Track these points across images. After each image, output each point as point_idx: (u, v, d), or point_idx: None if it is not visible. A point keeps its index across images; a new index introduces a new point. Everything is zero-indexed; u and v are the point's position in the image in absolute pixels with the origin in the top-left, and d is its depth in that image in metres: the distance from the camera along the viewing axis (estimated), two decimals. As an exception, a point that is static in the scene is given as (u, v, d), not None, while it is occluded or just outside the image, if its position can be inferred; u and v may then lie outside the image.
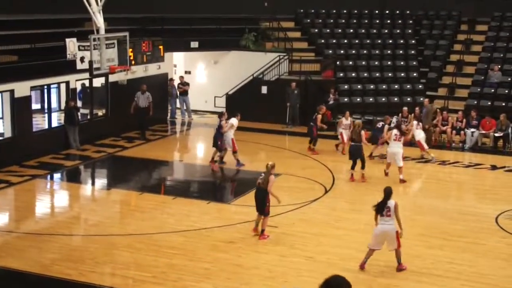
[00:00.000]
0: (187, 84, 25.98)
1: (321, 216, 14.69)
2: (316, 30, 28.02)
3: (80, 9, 18.65)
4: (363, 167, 17.54)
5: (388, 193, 11.70)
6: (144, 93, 21.93)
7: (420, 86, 25.52)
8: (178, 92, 25.82)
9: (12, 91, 18.49)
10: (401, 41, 27.63)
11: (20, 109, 18.80)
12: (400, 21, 28.99)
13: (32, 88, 19.79)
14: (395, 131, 17.61)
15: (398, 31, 28.31)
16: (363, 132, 17.61)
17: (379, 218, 11.64)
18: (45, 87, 22.52)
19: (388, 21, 29.01)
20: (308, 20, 28.68)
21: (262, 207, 13.08)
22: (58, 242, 12.86)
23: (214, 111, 26.20)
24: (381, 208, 11.55)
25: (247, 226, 13.78)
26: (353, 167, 17.60)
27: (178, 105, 26.17)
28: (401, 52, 27.09)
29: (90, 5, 18.03)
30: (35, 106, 23.24)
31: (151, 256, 12.18)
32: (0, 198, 15.97)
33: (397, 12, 29.42)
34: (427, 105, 21.87)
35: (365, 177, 17.53)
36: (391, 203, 11.59)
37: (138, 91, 21.97)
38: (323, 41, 27.34)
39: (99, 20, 18.28)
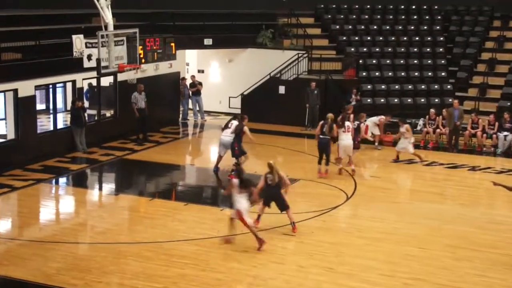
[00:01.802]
0: (200, 83, 26.08)
1: (341, 225, 14.70)
2: (338, 27, 28.03)
3: (87, 4, 18.81)
4: (327, 163, 18.04)
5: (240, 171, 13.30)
6: (141, 93, 21.97)
7: (448, 87, 25.43)
8: (190, 92, 25.93)
9: (15, 91, 18.66)
10: (429, 38, 27.54)
11: (24, 110, 18.96)
12: (427, 17, 28.91)
13: (37, 87, 19.92)
14: (347, 123, 18.32)
15: (425, 27, 28.24)
16: (335, 126, 17.95)
17: (241, 192, 13.00)
18: (50, 86, 22.69)
19: (415, 17, 28.95)
20: (329, 16, 28.70)
21: (282, 203, 13.87)
22: (63, 250, 12.95)
23: (228, 112, 26.31)
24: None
25: (262, 235, 13.80)
26: (320, 162, 18.05)
27: (190, 105, 26.28)
28: (428, 50, 27.02)
29: (97, -1, 18.19)
30: (40, 106, 23.44)
31: (162, 265, 12.24)
32: (3, 204, 16.13)
33: (424, 7, 29.37)
34: (459, 106, 21.82)
35: (327, 174, 18.03)
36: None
37: (134, 92, 21.83)
38: (344, 38, 27.34)
39: (107, 15, 18.41)
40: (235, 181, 13.07)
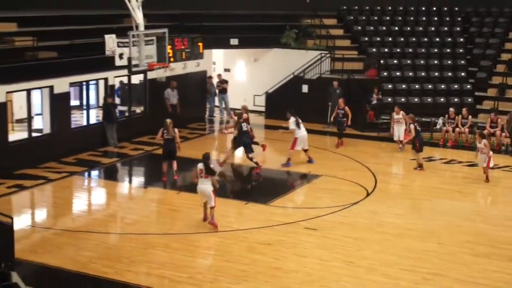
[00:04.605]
0: (226, 82, 26.09)
1: (362, 220, 14.60)
2: (360, 28, 27.85)
3: (119, 5, 18.90)
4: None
5: (204, 157, 13.70)
6: (174, 90, 22.14)
7: (468, 86, 25.16)
8: (217, 90, 25.96)
9: (51, 87, 18.86)
10: (449, 39, 27.26)
11: (59, 106, 19.15)
12: (448, 19, 28.60)
13: (71, 84, 20.12)
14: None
15: (445, 28, 27.94)
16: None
17: (199, 179, 13.71)
18: (84, 83, 22.82)
19: (435, 19, 28.64)
20: (351, 17, 28.51)
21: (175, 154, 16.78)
22: (94, 239, 13.08)
23: (253, 110, 26.29)
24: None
25: (285, 228, 13.80)
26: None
27: (216, 103, 26.32)
28: (448, 50, 26.74)
29: (129, 1, 18.23)
30: (74, 102, 23.64)
31: (188, 256, 12.29)
32: (38, 194, 16.33)
33: (445, 9, 29.03)
34: None
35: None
36: (200, 165, 13.64)
37: (167, 88, 22.08)
38: (366, 39, 27.16)
39: (138, 16, 18.48)
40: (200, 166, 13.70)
